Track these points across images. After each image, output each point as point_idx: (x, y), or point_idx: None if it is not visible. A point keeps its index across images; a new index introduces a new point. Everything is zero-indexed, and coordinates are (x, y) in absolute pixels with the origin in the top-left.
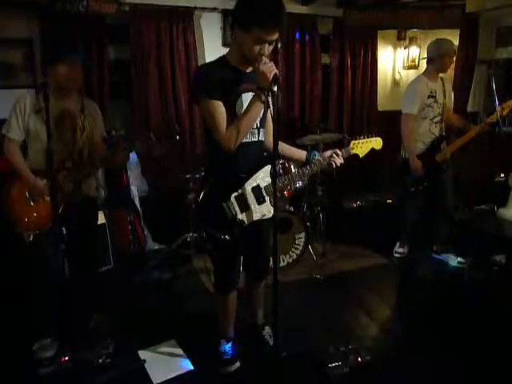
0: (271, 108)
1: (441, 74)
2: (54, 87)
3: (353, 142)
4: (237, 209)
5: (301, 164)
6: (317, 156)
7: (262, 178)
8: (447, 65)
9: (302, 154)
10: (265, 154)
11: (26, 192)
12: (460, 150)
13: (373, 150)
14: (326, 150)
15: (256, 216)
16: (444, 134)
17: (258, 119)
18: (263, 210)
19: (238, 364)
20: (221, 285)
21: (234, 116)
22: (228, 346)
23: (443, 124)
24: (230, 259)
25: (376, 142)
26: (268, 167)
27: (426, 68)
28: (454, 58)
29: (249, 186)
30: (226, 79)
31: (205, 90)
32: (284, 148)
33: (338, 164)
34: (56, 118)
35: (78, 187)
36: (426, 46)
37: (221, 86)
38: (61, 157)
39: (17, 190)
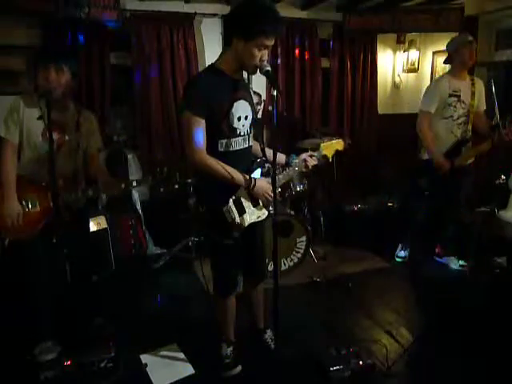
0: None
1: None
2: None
3: (321, 144)
4: (235, 213)
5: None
6: (294, 159)
7: None
8: (466, 56)
9: (282, 158)
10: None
11: None
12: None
13: (379, 150)
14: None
15: (252, 218)
16: (468, 137)
17: (248, 125)
18: (258, 213)
19: (239, 368)
20: (220, 288)
21: (226, 124)
22: (229, 350)
23: (468, 126)
24: (230, 262)
25: (338, 144)
26: (258, 170)
27: (450, 67)
28: (474, 48)
29: (243, 188)
30: (220, 90)
31: (189, 104)
32: (267, 151)
33: (311, 165)
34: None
35: (66, 208)
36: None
37: (212, 99)
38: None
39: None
